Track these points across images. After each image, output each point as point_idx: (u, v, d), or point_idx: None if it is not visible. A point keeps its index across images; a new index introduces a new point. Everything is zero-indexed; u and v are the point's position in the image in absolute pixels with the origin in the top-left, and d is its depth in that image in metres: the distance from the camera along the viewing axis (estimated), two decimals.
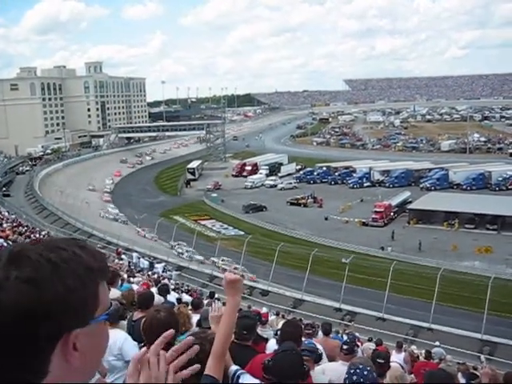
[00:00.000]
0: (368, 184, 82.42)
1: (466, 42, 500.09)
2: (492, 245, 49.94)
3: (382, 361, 6.34)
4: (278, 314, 20.09)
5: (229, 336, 3.00)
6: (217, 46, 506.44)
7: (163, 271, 34.19)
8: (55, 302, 1.14)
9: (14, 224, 37.44)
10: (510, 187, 74.82)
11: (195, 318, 7.68)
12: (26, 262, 1.16)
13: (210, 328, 6.87)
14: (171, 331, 1.52)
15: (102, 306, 1.27)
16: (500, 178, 76.72)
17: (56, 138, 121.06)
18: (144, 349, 1.45)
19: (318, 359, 5.53)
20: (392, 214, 62.80)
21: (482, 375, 5.42)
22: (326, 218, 64.02)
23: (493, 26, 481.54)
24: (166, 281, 25.37)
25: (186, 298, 17.16)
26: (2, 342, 1.10)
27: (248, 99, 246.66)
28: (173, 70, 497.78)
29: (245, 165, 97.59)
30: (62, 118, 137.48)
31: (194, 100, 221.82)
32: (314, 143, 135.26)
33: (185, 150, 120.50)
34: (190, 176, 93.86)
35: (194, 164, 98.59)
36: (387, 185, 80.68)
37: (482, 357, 20.27)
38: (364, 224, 61.33)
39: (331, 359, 6.60)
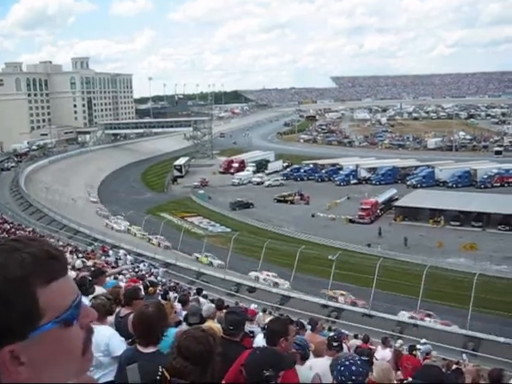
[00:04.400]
0: (355, 181, 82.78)
1: (453, 40, 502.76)
2: (477, 242, 50.44)
3: (366, 358, 6.41)
4: (264, 311, 20.12)
5: None
6: (205, 42, 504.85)
7: (148, 268, 34.08)
8: None
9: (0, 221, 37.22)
10: (494, 185, 75.48)
11: (183, 313, 7.71)
12: None
13: (198, 323, 6.91)
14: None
15: (53, 311, 1.13)
16: (485, 176, 77.34)
17: (42, 134, 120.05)
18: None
19: (305, 355, 5.55)
20: (378, 211, 63.13)
21: (465, 372, 5.52)
22: (313, 215, 64.19)
23: (480, 25, 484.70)
24: (152, 277, 25.38)
25: (174, 295, 17.15)
26: None
27: (235, 96, 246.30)
28: (160, 66, 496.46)
29: (232, 162, 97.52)
30: (48, 113, 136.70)
31: (181, 97, 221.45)
32: (301, 140, 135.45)
33: (171, 147, 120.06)
34: (176, 173, 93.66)
35: (181, 161, 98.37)
36: (374, 182, 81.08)
37: (464, 355, 20.49)
38: (351, 221, 61.60)
39: (317, 355, 6.64)
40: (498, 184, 75.72)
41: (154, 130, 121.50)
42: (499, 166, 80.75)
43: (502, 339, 26.81)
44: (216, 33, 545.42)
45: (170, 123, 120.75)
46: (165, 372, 3.02)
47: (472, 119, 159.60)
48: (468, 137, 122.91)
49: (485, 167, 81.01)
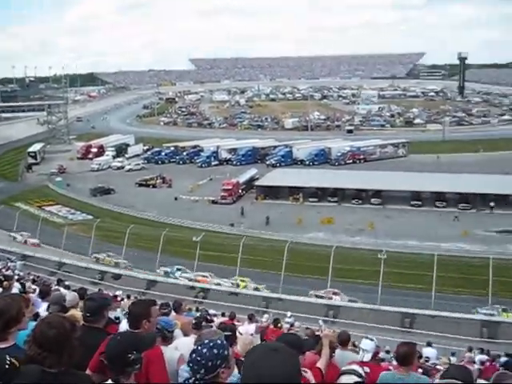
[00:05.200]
0: (216, 163, 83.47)
1: (308, 24, 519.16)
2: (333, 216, 53.26)
3: (229, 333, 6.62)
4: (129, 297, 19.88)
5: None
6: (56, 21, 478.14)
7: (4, 263, 32.20)
8: None
9: None
10: (347, 161, 79.82)
11: (44, 305, 7.47)
12: None
13: (62, 311, 6.72)
14: None
15: None
16: (339, 154, 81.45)
17: None
18: None
19: (165, 337, 5.52)
20: (240, 191, 64.27)
21: (322, 337, 5.95)
22: (176, 198, 64.03)
23: (335, 11, 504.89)
24: (9, 272, 24.02)
25: (33, 287, 16.42)
26: None
27: (91, 79, 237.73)
28: (7, 46, 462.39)
29: (90, 147, 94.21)
30: None
31: (32, 79, 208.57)
32: (161, 123, 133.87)
33: (24, 133, 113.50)
34: (31, 160, 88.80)
35: (36, 147, 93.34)
36: (234, 163, 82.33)
37: (320, 321, 21.80)
38: (213, 202, 62.23)
39: (185, 335, 6.74)
40: (351, 161, 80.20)
41: (4, 115, 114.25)
42: (351, 144, 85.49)
43: (356, 305, 28.79)
44: (69, 12, 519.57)
45: (22, 107, 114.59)
46: (13, 360, 2.95)
47: (325, 100, 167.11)
48: (322, 117, 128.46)
49: (338, 145, 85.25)
